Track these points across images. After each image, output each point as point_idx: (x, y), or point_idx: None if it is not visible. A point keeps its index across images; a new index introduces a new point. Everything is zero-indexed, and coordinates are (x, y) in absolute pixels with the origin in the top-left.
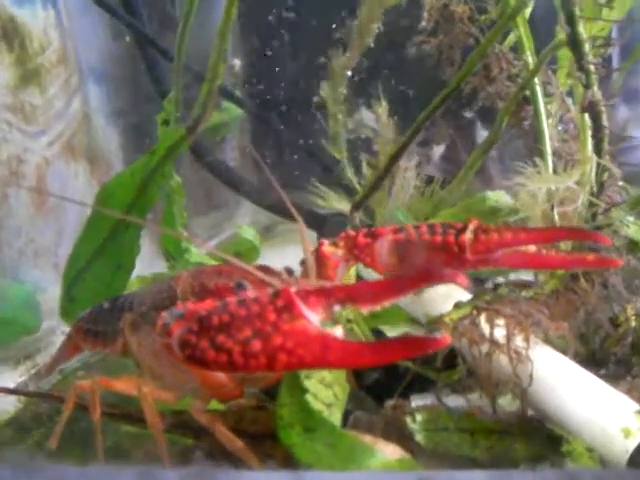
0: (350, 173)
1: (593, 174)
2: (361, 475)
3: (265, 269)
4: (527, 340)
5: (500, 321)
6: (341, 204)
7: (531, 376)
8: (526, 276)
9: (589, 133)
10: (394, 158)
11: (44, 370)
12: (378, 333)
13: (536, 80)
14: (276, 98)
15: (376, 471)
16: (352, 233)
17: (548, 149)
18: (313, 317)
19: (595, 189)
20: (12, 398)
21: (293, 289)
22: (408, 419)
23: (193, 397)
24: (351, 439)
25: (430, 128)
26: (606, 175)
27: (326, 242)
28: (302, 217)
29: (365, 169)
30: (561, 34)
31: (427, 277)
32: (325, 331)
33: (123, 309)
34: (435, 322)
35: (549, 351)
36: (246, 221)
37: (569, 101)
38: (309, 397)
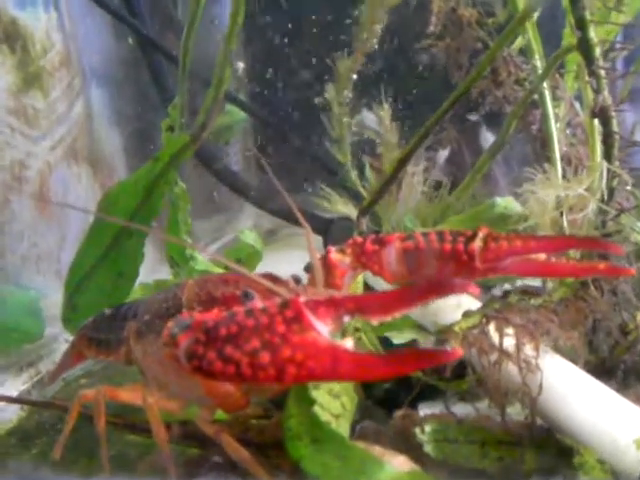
0: (354, 176)
1: (603, 180)
2: None
3: (272, 278)
4: (537, 349)
5: (509, 330)
6: (346, 208)
7: (541, 385)
8: (533, 282)
9: (598, 138)
10: (402, 163)
11: (47, 378)
12: (384, 340)
13: (544, 84)
14: (280, 101)
15: None
16: (359, 240)
17: (557, 154)
18: (323, 328)
19: (605, 195)
20: (15, 407)
21: (302, 299)
22: (417, 430)
23: (199, 406)
24: (360, 451)
25: (436, 132)
26: (616, 181)
27: (333, 249)
28: (307, 222)
29: (368, 172)
30: (570, 38)
31: (438, 288)
32: (335, 343)
33: (127, 317)
34: (444, 332)
35: (559, 360)
36: (249, 224)
37: (577, 105)
38: (317, 408)
